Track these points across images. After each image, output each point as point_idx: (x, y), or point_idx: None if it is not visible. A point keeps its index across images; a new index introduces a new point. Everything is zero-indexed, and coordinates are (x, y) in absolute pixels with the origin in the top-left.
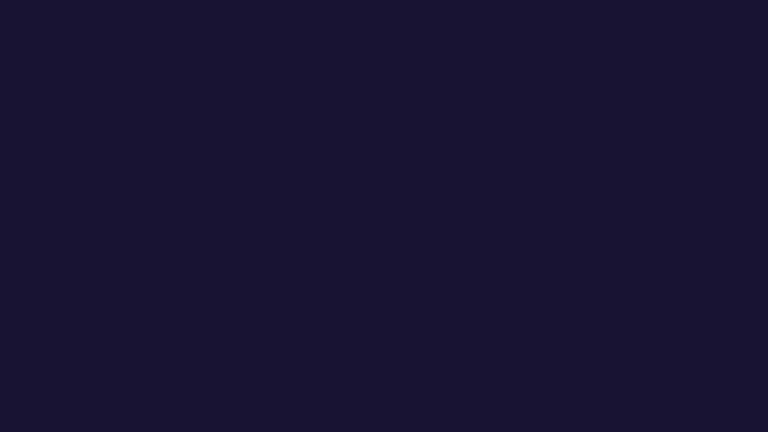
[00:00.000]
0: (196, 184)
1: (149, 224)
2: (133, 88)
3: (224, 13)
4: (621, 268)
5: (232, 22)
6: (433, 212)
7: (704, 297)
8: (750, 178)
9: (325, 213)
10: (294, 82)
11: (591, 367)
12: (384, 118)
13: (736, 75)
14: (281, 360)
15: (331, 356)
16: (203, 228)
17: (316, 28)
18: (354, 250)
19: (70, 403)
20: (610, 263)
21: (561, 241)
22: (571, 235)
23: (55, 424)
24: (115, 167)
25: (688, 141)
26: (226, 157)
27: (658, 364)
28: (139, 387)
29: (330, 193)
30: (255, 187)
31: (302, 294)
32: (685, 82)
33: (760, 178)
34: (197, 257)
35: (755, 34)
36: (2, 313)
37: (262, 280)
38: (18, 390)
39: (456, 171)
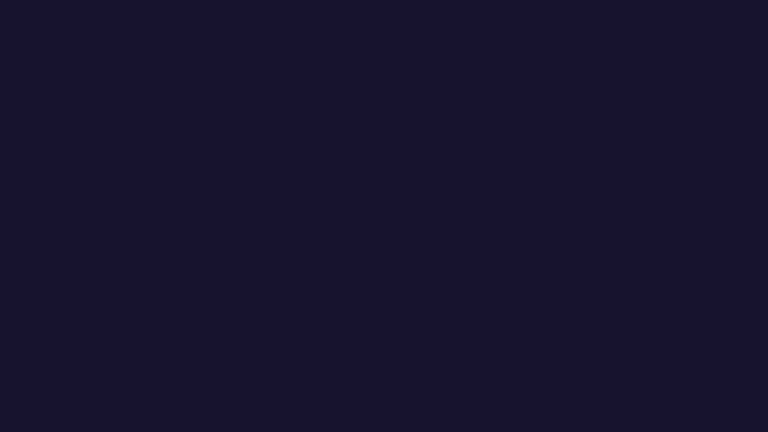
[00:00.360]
0: (196, 183)
1: (149, 224)
2: (132, 88)
3: (224, 13)
4: (621, 268)
5: (232, 22)
6: (433, 212)
7: (704, 297)
8: (750, 178)
9: (324, 213)
10: (294, 82)
11: (591, 367)
12: (383, 118)
13: (736, 75)
14: (281, 360)
15: (331, 356)
16: (203, 228)
17: (316, 28)
18: (354, 250)
19: (70, 403)
20: (611, 263)
21: (561, 241)
22: (570, 235)
23: (55, 424)
24: (114, 167)
25: (688, 141)
26: (226, 157)
27: (658, 364)
28: (139, 387)
29: (330, 193)
30: (255, 187)
31: (302, 294)
32: (685, 82)
33: (760, 178)
34: (197, 257)
35: (755, 34)
36: (2, 313)
37: (262, 280)
38: (18, 390)
39: (456, 171)
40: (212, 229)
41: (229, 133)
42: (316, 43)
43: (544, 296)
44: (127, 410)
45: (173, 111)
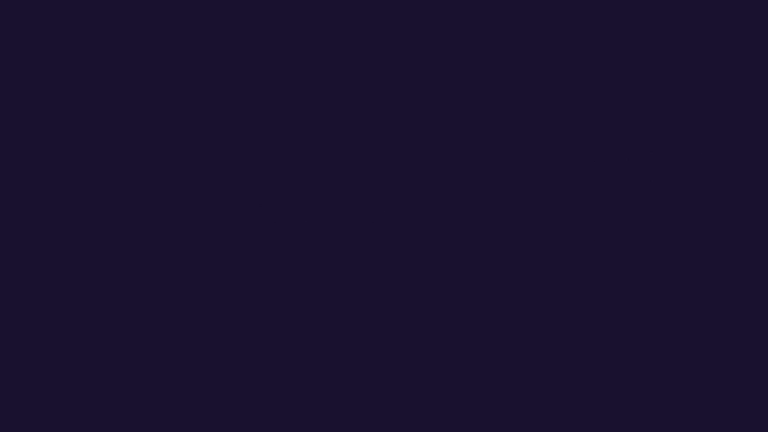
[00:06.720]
0: (195, 184)
1: (148, 224)
2: (132, 88)
3: (224, 13)
4: (621, 268)
5: (232, 22)
6: (434, 212)
7: (704, 297)
8: (750, 178)
9: (324, 213)
10: (294, 82)
11: (591, 367)
12: (384, 118)
13: (736, 75)
14: (281, 360)
15: (331, 356)
16: (202, 228)
17: (316, 28)
18: (353, 251)
19: (70, 403)
20: (610, 263)
21: (561, 241)
22: (571, 235)
23: (54, 424)
24: (114, 167)
25: (688, 141)
26: (226, 157)
27: (658, 364)
28: (139, 387)
29: (329, 192)
30: (255, 187)
31: (302, 294)
32: (685, 82)
33: (760, 178)
34: (196, 257)
35: (755, 34)
36: (2, 313)
37: (262, 281)
38: (18, 390)
39: (456, 171)
40: (212, 229)
41: (229, 133)
42: (315, 43)
43: (544, 296)
44: (125, 410)
45: (173, 111)
